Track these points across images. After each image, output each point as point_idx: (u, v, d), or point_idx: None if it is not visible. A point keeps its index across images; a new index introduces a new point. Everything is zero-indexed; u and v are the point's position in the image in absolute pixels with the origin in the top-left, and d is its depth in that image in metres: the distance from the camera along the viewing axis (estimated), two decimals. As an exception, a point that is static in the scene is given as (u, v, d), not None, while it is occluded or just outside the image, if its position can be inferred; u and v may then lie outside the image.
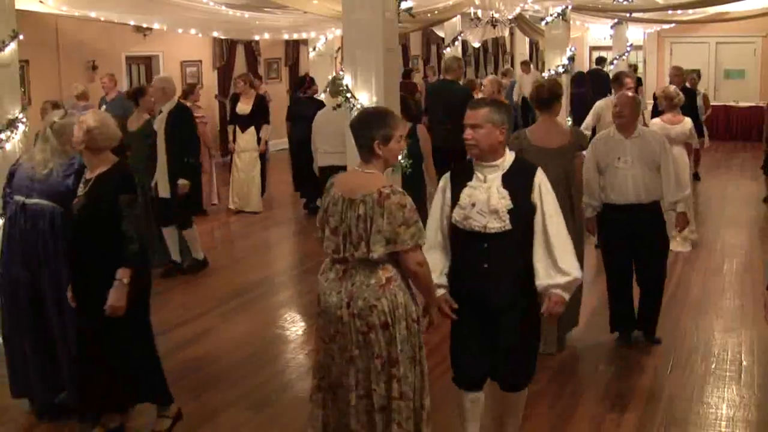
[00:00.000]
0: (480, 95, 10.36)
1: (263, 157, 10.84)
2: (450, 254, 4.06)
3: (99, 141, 4.38)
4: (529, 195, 3.91)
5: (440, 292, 4.00)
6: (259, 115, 10.70)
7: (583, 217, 5.82)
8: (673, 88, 8.27)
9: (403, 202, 3.57)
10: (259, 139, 10.71)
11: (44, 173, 4.70)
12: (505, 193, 3.88)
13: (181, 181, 7.73)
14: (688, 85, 11.26)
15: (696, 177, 12.95)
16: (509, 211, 3.86)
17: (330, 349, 3.82)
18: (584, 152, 5.69)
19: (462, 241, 3.99)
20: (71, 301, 4.51)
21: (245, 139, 10.73)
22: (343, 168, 6.88)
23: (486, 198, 3.88)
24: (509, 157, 4.00)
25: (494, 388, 4.18)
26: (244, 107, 10.71)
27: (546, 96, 5.55)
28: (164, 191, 7.83)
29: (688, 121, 8.24)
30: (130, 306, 4.33)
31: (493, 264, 3.90)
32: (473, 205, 3.90)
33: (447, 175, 4.13)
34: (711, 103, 19.05)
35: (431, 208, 4.19)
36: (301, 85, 11.30)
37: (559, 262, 3.89)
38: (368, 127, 3.67)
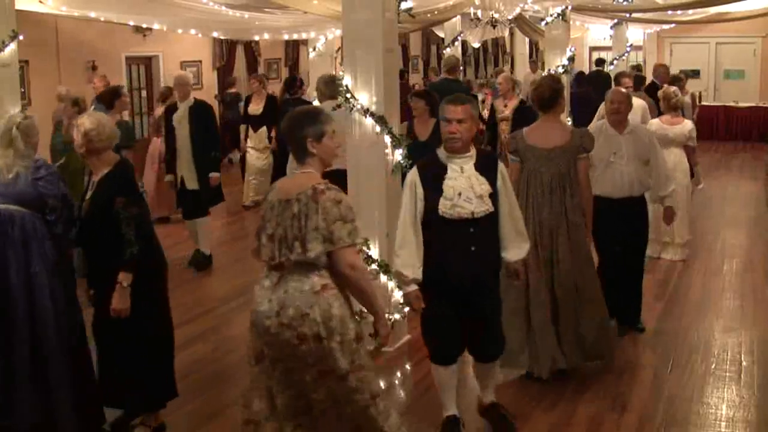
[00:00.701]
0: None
1: (275, 154, 10.97)
2: (422, 248, 4.30)
3: (96, 142, 4.40)
4: (496, 180, 4.33)
5: (412, 287, 4.28)
6: (270, 115, 10.86)
7: (588, 224, 5.38)
8: (672, 89, 8.24)
9: (338, 198, 3.49)
10: (270, 138, 10.98)
11: (10, 177, 4.38)
12: (483, 179, 4.27)
13: (213, 174, 8.14)
14: (657, 81, 11.27)
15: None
16: (490, 195, 4.25)
17: (256, 375, 3.67)
18: (590, 153, 5.38)
19: (448, 230, 4.24)
20: (89, 298, 4.54)
21: (257, 138, 11.09)
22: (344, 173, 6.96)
23: (469, 186, 4.22)
24: (473, 148, 4.35)
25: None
26: (255, 108, 11.03)
27: (547, 95, 5.35)
28: (192, 184, 8.11)
29: (687, 123, 8.21)
30: (139, 304, 4.39)
31: (479, 245, 4.27)
32: (459, 194, 4.20)
33: (415, 171, 4.36)
34: (712, 104, 19.15)
35: (402, 206, 4.33)
36: (291, 86, 11.29)
37: (522, 233, 4.46)
38: (299, 126, 3.61)
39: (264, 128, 11.03)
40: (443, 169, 4.27)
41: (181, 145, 8.07)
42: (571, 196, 5.21)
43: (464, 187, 4.21)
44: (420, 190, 4.28)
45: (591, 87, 13.40)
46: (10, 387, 4.29)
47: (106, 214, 4.33)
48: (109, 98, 8.24)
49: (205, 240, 8.43)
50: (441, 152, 4.35)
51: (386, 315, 3.65)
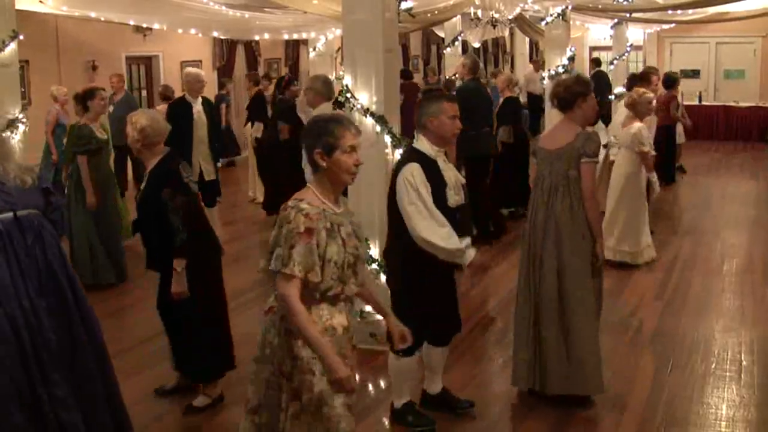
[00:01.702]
0: None
1: (256, 152, 11.04)
2: None
3: (152, 137, 4.79)
4: None
5: (473, 249, 4.56)
6: (252, 112, 11.14)
7: (594, 235, 4.95)
8: (641, 90, 8.06)
9: (289, 218, 3.13)
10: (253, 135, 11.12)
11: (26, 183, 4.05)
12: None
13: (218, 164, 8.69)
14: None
15: (681, 169, 13.10)
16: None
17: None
18: (595, 159, 4.93)
19: (448, 219, 4.41)
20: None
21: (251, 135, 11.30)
22: None
23: (455, 176, 4.53)
24: None
25: None
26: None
27: (561, 95, 5.06)
28: (211, 175, 8.42)
29: (635, 125, 7.82)
30: (195, 286, 4.79)
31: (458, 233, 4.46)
32: (455, 184, 4.47)
33: (418, 166, 4.38)
34: (712, 104, 19.14)
35: (425, 201, 4.36)
36: (279, 85, 11.20)
37: None
38: (309, 136, 3.29)
39: (249, 125, 11.31)
40: (434, 162, 4.44)
41: (200, 140, 8.28)
42: (562, 201, 4.89)
43: (453, 178, 4.50)
44: (427, 184, 4.37)
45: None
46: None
47: (155, 205, 4.67)
48: (82, 100, 8.01)
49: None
50: (426, 147, 4.47)
51: (328, 354, 3.11)
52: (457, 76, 11.16)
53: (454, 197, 4.45)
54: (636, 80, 9.79)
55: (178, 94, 11.17)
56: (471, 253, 4.54)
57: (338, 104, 6.86)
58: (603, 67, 18.01)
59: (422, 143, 4.49)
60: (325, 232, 3.17)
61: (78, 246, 7.59)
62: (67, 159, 8.19)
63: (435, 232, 4.33)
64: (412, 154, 4.49)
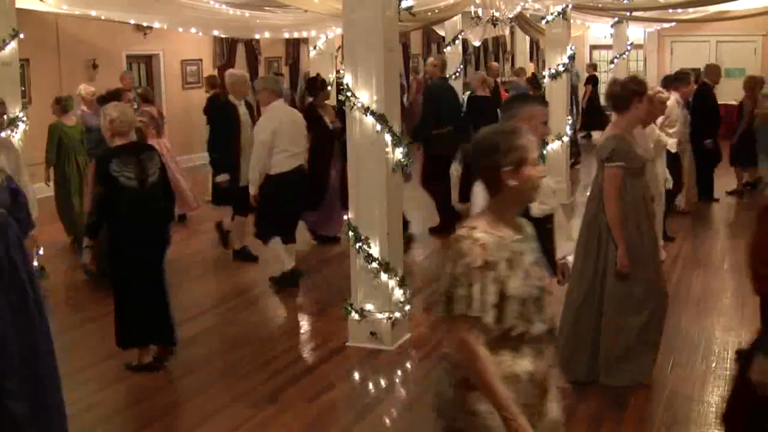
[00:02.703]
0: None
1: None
2: None
3: (120, 128, 5.39)
4: None
5: None
6: (209, 116, 10.36)
7: (616, 239, 4.98)
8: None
9: (463, 251, 2.70)
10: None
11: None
12: None
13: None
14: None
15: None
16: None
17: None
18: (614, 165, 4.90)
19: None
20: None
21: None
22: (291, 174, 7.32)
23: (545, 184, 4.23)
24: None
25: None
26: None
27: (619, 93, 5.05)
28: (245, 181, 7.86)
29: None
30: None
31: None
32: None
33: None
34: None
35: None
36: (312, 88, 11.02)
37: None
38: (489, 153, 2.79)
39: None
40: None
41: (246, 143, 7.94)
42: (599, 201, 5.00)
43: (545, 186, 4.27)
44: None
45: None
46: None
47: None
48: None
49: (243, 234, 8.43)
50: None
51: (513, 413, 2.64)
52: (427, 75, 11.07)
53: (539, 207, 4.04)
54: (671, 81, 9.43)
55: (176, 92, 11.30)
56: None
57: (339, 103, 6.87)
58: (602, 67, 18.07)
59: None
60: (506, 263, 2.73)
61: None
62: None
63: None
64: None
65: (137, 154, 5.47)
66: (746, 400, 2.96)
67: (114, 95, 7.91)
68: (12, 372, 4.07)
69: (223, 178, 8.04)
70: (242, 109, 8.16)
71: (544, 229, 4.27)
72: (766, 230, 3.27)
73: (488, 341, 2.71)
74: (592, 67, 18.81)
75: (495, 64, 18.27)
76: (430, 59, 10.71)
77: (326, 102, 9.30)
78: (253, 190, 7.37)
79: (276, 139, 7.29)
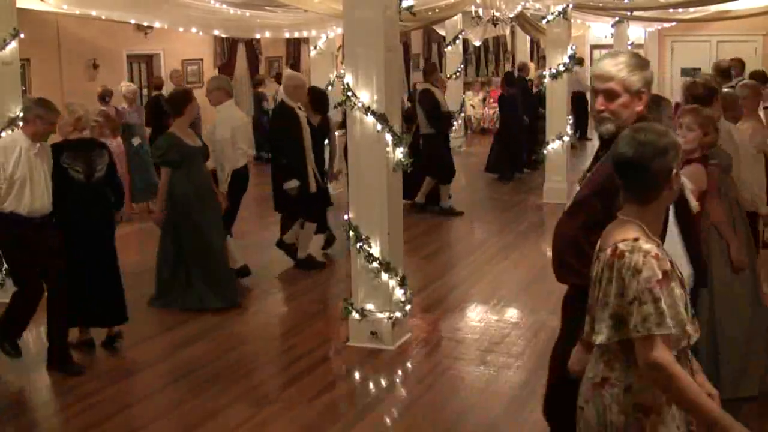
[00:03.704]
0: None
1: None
2: None
3: (84, 124, 5.92)
4: None
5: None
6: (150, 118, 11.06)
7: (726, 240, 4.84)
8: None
9: (637, 265, 2.51)
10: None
11: None
12: None
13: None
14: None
15: None
16: None
17: None
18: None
19: None
20: None
21: None
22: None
23: None
24: None
25: None
26: None
27: (702, 93, 5.14)
28: (313, 187, 7.92)
29: None
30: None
31: None
32: None
33: None
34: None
35: None
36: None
37: None
38: (659, 156, 2.57)
39: None
40: None
41: (309, 149, 7.93)
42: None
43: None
44: None
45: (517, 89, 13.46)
46: None
47: None
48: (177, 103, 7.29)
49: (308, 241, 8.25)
50: None
51: (728, 424, 2.47)
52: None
53: (694, 202, 3.75)
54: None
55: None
56: None
57: (339, 103, 6.86)
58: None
59: None
60: (671, 272, 2.56)
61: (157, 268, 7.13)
62: None
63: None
64: None
65: (88, 150, 5.85)
66: (569, 393, 2.93)
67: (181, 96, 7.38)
68: None
69: (294, 184, 7.81)
70: (302, 113, 7.99)
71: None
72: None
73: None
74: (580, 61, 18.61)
75: (525, 62, 17.66)
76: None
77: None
78: (224, 187, 7.43)
79: (234, 137, 7.45)
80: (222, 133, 7.40)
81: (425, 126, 10.57)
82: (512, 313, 6.77)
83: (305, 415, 4.99)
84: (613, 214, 2.71)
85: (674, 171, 2.59)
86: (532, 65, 20.15)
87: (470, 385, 5.31)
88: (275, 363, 5.87)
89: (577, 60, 15.12)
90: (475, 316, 6.85)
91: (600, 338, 2.60)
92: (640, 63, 3.16)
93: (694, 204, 3.76)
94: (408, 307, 6.05)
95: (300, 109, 8.01)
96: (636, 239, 2.55)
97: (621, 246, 2.55)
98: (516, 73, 15.09)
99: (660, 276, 2.49)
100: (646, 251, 2.51)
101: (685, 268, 3.60)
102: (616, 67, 3.12)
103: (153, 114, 11.17)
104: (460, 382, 5.34)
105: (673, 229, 3.69)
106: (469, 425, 4.83)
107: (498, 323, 6.62)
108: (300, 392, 5.32)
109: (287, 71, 9.12)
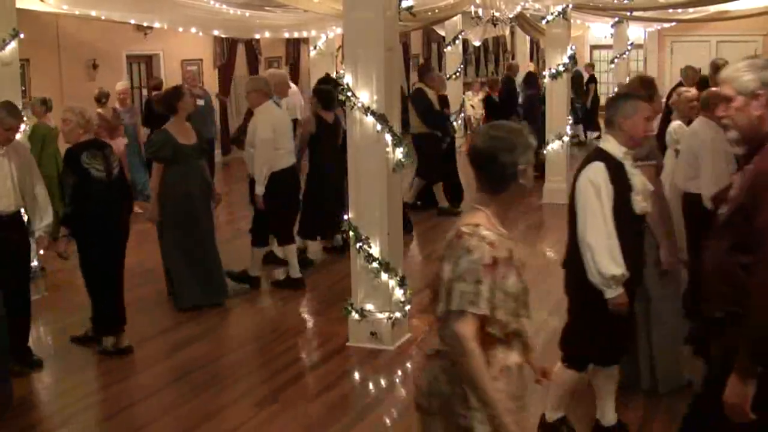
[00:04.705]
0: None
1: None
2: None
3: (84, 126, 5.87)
4: None
5: (621, 289, 4.07)
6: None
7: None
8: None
9: (470, 247, 2.69)
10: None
11: None
12: None
13: None
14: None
15: None
16: None
17: None
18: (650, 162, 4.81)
19: (634, 226, 4.26)
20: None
21: None
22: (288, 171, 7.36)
23: (643, 181, 4.27)
24: None
25: None
26: None
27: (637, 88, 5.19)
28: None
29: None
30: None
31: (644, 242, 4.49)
32: (641, 190, 4.25)
33: (603, 166, 4.11)
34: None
35: (604, 204, 4.08)
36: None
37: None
38: (508, 150, 2.78)
39: None
40: (621, 165, 4.14)
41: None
42: None
43: (642, 183, 4.18)
44: (611, 186, 4.10)
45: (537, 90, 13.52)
46: None
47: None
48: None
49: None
50: (613, 148, 4.17)
51: (500, 411, 2.66)
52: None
53: (641, 204, 4.14)
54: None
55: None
56: (618, 290, 4.07)
57: (339, 102, 6.85)
58: (603, 67, 18.07)
59: (609, 143, 4.20)
60: (505, 261, 2.74)
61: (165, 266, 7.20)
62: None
63: (602, 241, 4.01)
64: (598, 154, 4.21)
65: (102, 149, 5.92)
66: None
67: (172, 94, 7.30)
68: None
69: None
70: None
71: (639, 227, 4.27)
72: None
73: (484, 337, 2.71)
74: (591, 66, 18.82)
75: (515, 62, 18.06)
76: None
77: None
78: (260, 190, 7.35)
79: (276, 137, 7.31)
80: (262, 135, 7.28)
81: (418, 125, 10.54)
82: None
83: (305, 415, 4.99)
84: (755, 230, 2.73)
85: (521, 167, 2.76)
86: (531, 65, 20.16)
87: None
88: (275, 363, 5.87)
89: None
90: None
91: (438, 311, 2.76)
92: (755, 64, 3.01)
93: (641, 206, 4.10)
94: (408, 307, 6.05)
95: (279, 105, 8.19)
96: (477, 225, 2.73)
97: (463, 229, 2.74)
98: (504, 73, 15.19)
99: (488, 261, 2.67)
100: (483, 236, 2.70)
101: (611, 267, 3.94)
102: (731, 70, 3.04)
103: (150, 114, 11.16)
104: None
105: (608, 225, 3.98)
106: None
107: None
108: (300, 393, 5.32)
109: (270, 70, 9.27)
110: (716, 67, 8.11)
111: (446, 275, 2.71)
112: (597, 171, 4.09)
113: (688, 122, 6.38)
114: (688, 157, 5.88)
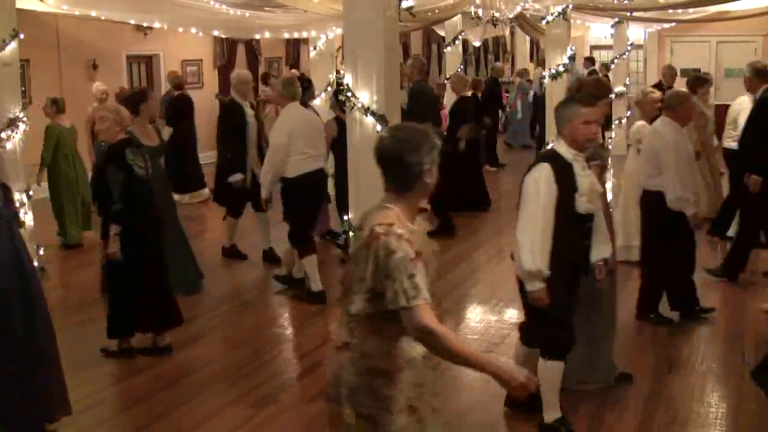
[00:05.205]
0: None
1: None
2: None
3: (116, 124, 5.81)
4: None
5: (541, 285, 4.33)
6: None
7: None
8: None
9: (391, 246, 2.77)
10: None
11: None
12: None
13: None
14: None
15: None
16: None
17: None
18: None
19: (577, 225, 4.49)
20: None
21: None
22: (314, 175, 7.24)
23: (591, 183, 4.53)
24: None
25: None
26: None
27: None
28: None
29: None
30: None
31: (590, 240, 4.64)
32: (587, 191, 4.48)
33: (548, 167, 4.36)
34: (712, 102, 19.11)
35: (542, 202, 4.34)
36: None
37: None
38: (415, 151, 2.89)
39: None
40: (569, 166, 4.37)
41: (253, 143, 8.25)
42: None
43: (590, 185, 4.39)
44: (554, 186, 4.30)
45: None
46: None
47: (105, 177, 5.71)
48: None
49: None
50: (563, 149, 4.41)
51: (494, 366, 2.84)
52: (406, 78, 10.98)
53: (585, 204, 4.36)
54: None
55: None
56: (537, 285, 4.32)
57: (339, 103, 6.86)
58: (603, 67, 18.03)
59: (561, 145, 4.44)
60: (419, 254, 2.84)
61: None
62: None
63: (528, 238, 4.31)
64: (547, 155, 4.47)
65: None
66: None
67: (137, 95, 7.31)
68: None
69: (238, 177, 8.11)
70: (248, 110, 8.28)
71: (584, 226, 4.42)
72: None
73: (392, 329, 2.83)
74: (590, 60, 18.66)
75: (499, 64, 18.26)
76: (409, 62, 10.95)
77: None
78: (265, 194, 7.31)
79: (292, 142, 7.11)
80: (276, 140, 7.15)
81: None
82: (512, 314, 6.76)
83: (305, 415, 4.99)
84: None
85: (427, 167, 2.85)
86: (531, 65, 20.17)
87: (470, 385, 5.30)
88: (275, 363, 5.87)
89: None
90: (475, 316, 6.85)
91: (354, 308, 2.85)
92: None
93: (585, 206, 4.33)
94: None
95: (250, 106, 8.39)
96: (391, 224, 2.80)
97: (377, 229, 2.79)
98: (489, 74, 15.29)
99: (413, 255, 2.77)
100: (399, 235, 2.78)
101: (529, 262, 4.23)
102: None
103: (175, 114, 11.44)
104: (460, 383, 5.33)
105: (542, 223, 4.26)
106: (469, 425, 4.82)
107: (498, 324, 6.62)
108: (300, 392, 5.32)
109: (235, 71, 9.36)
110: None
111: (368, 275, 2.79)
112: (541, 171, 4.34)
113: (651, 122, 6.51)
114: (650, 155, 6.02)
